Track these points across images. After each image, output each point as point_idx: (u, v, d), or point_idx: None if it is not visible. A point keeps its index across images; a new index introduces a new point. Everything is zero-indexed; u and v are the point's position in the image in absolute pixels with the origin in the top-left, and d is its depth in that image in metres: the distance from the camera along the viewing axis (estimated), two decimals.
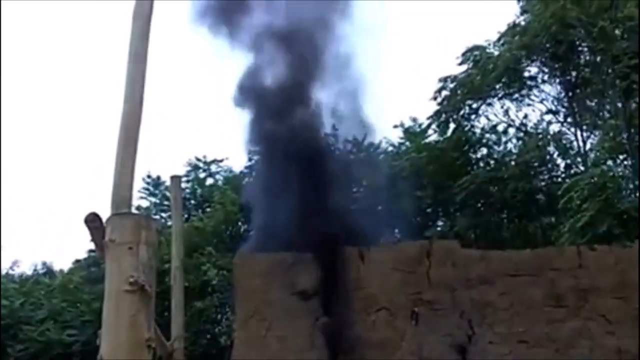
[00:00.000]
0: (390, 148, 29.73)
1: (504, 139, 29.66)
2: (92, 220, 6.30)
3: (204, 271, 24.75)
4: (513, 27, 27.38)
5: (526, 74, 27.96)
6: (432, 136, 29.45)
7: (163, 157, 46.52)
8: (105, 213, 6.26)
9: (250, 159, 25.75)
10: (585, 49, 25.94)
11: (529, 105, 29.06)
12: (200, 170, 32.81)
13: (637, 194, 22.16)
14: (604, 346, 12.94)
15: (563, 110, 28.42)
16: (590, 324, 13.07)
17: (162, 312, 18.08)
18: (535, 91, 28.55)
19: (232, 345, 13.47)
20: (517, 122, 29.41)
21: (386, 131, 28.52)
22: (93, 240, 6.48)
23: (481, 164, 28.95)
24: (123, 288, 5.91)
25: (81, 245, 40.44)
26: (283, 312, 12.77)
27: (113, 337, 5.87)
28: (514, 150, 29.26)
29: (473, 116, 28.93)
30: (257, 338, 12.65)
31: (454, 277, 13.18)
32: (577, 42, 25.24)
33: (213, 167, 32.93)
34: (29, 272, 40.88)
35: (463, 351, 12.87)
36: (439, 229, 27.61)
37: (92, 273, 30.15)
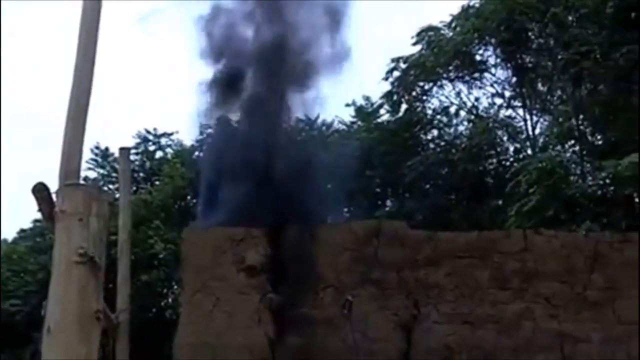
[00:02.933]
0: (342, 127, 29.78)
1: (454, 121, 29.83)
2: (40, 190, 6.22)
3: (151, 244, 24.61)
4: (466, 9, 27.45)
5: (478, 57, 28.07)
6: (384, 116, 29.55)
7: (112, 129, 46.13)
8: (52, 183, 6.19)
9: (201, 133, 25.61)
10: (537, 34, 26.12)
11: (480, 88, 29.22)
12: (150, 143, 32.48)
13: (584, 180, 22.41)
14: (547, 329, 13.14)
15: (513, 94, 28.60)
16: (534, 306, 13.25)
17: (107, 284, 17.95)
18: (486, 74, 28.71)
19: (178, 320, 13.40)
20: (468, 105, 29.58)
21: (338, 110, 28.58)
22: (40, 210, 6.40)
23: (431, 146, 29.07)
24: (72, 259, 5.82)
25: (26, 215, 39.92)
26: (231, 288, 12.77)
27: (61, 308, 5.77)
28: (464, 133, 29.41)
29: (425, 97, 29.03)
30: (203, 313, 12.64)
31: (401, 258, 13.27)
32: (528, 27, 25.39)
33: (163, 140, 32.64)
34: None
35: (408, 330, 12.98)
36: (387, 209, 27.69)
37: (38, 243, 29.84)
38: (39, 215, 26.67)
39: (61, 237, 6.04)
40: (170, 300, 27.73)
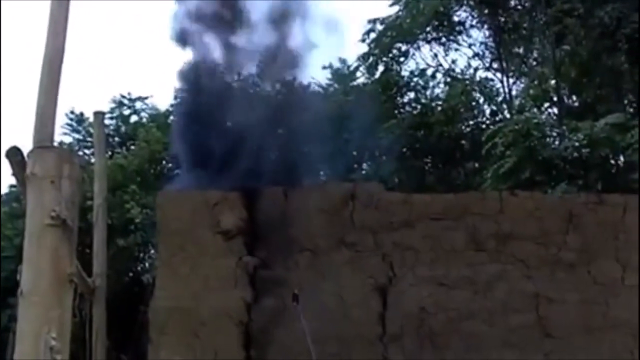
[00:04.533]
0: (318, 89, 29.68)
1: (431, 83, 29.82)
2: (14, 155, 6.20)
3: (127, 209, 24.50)
4: None
5: (455, 19, 28.02)
6: (360, 78, 29.48)
7: (87, 94, 45.79)
8: (26, 148, 6.16)
9: (176, 97, 25.43)
10: None
11: (456, 50, 29.21)
12: (125, 108, 32.25)
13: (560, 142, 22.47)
14: (522, 290, 13.20)
15: (490, 56, 28.60)
16: (509, 268, 13.30)
17: (84, 249, 17.90)
18: (464, 36, 28.69)
19: (154, 284, 13.36)
20: (445, 67, 29.57)
21: (314, 72, 28.46)
22: (15, 174, 6.38)
23: (408, 109, 29.06)
24: (45, 222, 5.84)
25: (2, 180, 39.67)
26: (206, 252, 12.72)
27: (34, 271, 5.82)
28: (441, 96, 29.42)
29: (402, 59, 28.97)
30: (179, 277, 12.59)
31: (377, 220, 13.25)
32: None
33: (138, 105, 32.41)
34: None
35: (384, 293, 13.00)
36: (364, 172, 27.70)
37: (14, 209, 29.64)
38: (15, 181, 26.53)
39: (33, 200, 6.05)
40: (147, 264, 27.70)
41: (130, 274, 27.22)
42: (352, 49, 30.55)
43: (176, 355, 12.24)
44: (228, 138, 14.57)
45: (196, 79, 16.40)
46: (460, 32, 28.27)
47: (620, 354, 13.11)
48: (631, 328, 13.08)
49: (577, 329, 13.07)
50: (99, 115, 15.21)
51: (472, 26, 28.13)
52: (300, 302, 11.51)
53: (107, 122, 26.84)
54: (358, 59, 28.68)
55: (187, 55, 16.83)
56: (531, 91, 27.83)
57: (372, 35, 28.01)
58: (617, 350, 13.10)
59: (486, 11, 26.70)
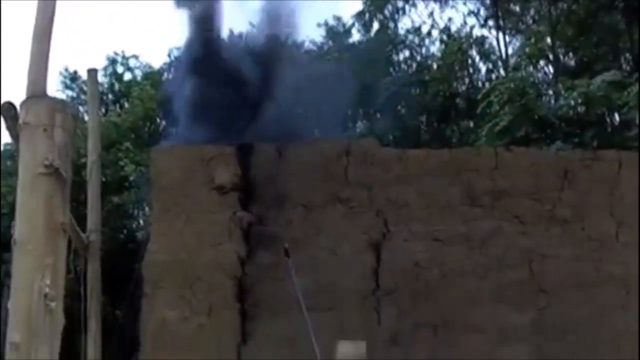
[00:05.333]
0: (313, 47, 29.52)
1: (427, 41, 29.68)
2: (8, 109, 6.17)
3: (121, 167, 24.41)
4: None
5: None
6: (356, 36, 29.34)
7: (81, 52, 45.53)
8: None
9: (169, 55, 25.36)
10: None
11: (452, 7, 29.05)
12: (119, 65, 32.09)
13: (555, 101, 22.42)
14: (516, 246, 13.22)
15: (486, 13, 28.44)
16: (505, 224, 13.30)
17: (78, 206, 17.87)
18: None
19: (148, 239, 13.35)
20: (441, 25, 29.42)
21: (309, 30, 28.27)
22: (8, 129, 6.35)
23: (403, 67, 28.96)
24: (38, 171, 5.80)
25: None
26: (200, 206, 12.69)
27: (28, 220, 5.75)
28: (436, 54, 29.30)
29: (397, 17, 28.81)
30: (173, 232, 12.58)
31: (371, 176, 13.22)
32: None
33: (132, 62, 32.25)
34: None
35: (378, 249, 13.00)
36: (358, 130, 27.62)
37: (9, 166, 29.58)
38: (9, 138, 26.40)
39: (26, 150, 5.99)
40: (141, 222, 27.69)
41: (125, 232, 27.20)
42: (347, 7, 30.46)
43: (171, 308, 12.27)
44: (223, 94, 14.51)
45: (193, 38, 16.32)
46: None
47: (612, 310, 13.17)
48: (624, 284, 13.13)
49: (570, 284, 13.11)
50: (93, 72, 15.11)
51: None
52: (293, 257, 11.50)
53: (100, 79, 26.66)
54: (353, 16, 28.57)
55: (181, 14, 16.76)
56: (527, 49, 27.65)
57: None
58: (610, 306, 13.16)
59: None
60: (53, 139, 5.91)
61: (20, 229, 5.78)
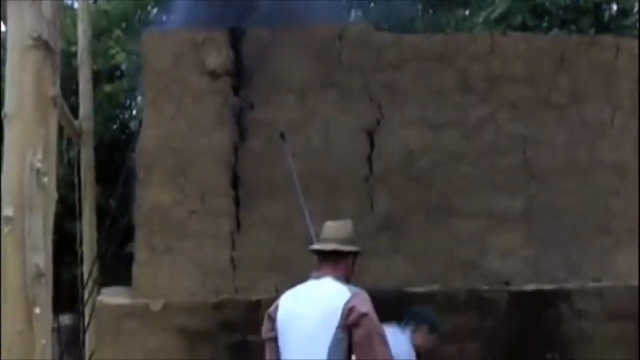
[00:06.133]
0: None
1: None
2: None
3: (113, 55, 24.11)
4: None
5: None
6: None
7: None
8: None
9: None
10: None
11: None
12: None
13: None
14: (511, 132, 13.20)
15: None
16: (498, 110, 13.24)
17: (69, 96, 17.73)
18: None
19: (140, 126, 13.28)
20: None
21: None
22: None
23: None
24: (26, 43, 5.82)
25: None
26: (192, 91, 12.56)
27: (17, 93, 5.84)
28: None
29: None
30: (165, 117, 12.48)
31: (365, 61, 13.06)
32: None
33: None
34: None
35: (371, 134, 12.95)
36: (352, 18, 27.20)
37: None
38: None
39: (13, 22, 5.99)
40: (134, 112, 27.59)
41: (118, 122, 27.14)
42: None
43: (164, 194, 12.27)
44: None
45: None
46: None
47: (606, 196, 13.24)
48: (618, 170, 13.18)
49: (563, 170, 13.17)
50: None
51: None
52: (287, 142, 11.46)
53: None
54: None
55: None
56: None
57: None
58: (603, 192, 13.23)
59: None
60: (41, 11, 5.91)
61: (10, 102, 5.90)
